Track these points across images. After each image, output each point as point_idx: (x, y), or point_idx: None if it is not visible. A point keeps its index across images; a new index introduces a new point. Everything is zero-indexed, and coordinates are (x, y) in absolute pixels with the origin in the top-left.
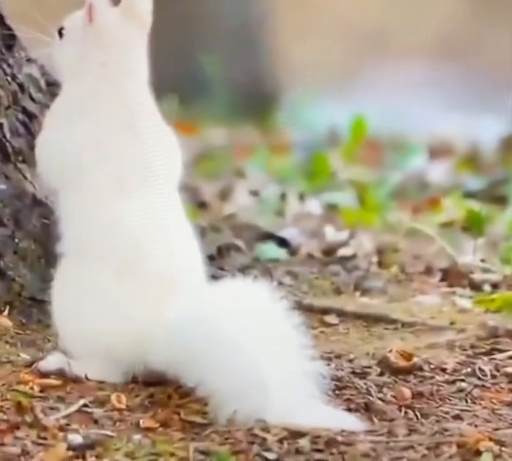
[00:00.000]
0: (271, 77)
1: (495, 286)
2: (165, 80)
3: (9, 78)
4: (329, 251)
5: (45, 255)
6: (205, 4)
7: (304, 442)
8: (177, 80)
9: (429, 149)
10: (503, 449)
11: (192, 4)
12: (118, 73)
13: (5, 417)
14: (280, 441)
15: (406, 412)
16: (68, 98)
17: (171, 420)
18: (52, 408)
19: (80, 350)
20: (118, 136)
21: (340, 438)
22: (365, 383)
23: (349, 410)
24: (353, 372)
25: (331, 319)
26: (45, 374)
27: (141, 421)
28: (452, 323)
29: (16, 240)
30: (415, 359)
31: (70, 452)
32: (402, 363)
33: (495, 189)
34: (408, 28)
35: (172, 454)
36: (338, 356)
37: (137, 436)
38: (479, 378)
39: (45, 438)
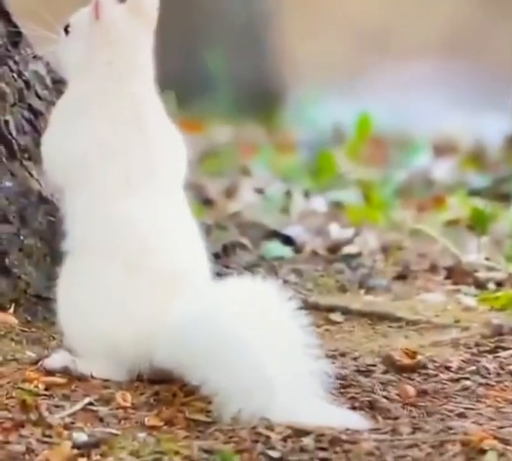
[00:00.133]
0: (276, 75)
1: (499, 284)
2: (170, 78)
3: (15, 75)
4: (334, 249)
5: (51, 253)
6: (210, 2)
7: (308, 441)
8: (183, 78)
9: (434, 147)
10: (507, 447)
11: (198, 2)
12: (124, 71)
13: (10, 415)
14: (284, 439)
15: (410, 410)
16: (74, 95)
17: (175, 418)
18: (57, 406)
19: (85, 348)
20: (123, 133)
21: (344, 437)
22: (370, 381)
23: (353, 408)
24: (358, 371)
25: (336, 317)
26: (50, 372)
27: (146, 419)
28: (456, 321)
29: (22, 237)
30: (419, 357)
31: (75, 451)
32: (407, 361)
33: (500, 187)
34: (413, 26)
35: (176, 453)
36: (343, 354)
37: (142, 435)
38: (484, 376)
39: (49, 437)
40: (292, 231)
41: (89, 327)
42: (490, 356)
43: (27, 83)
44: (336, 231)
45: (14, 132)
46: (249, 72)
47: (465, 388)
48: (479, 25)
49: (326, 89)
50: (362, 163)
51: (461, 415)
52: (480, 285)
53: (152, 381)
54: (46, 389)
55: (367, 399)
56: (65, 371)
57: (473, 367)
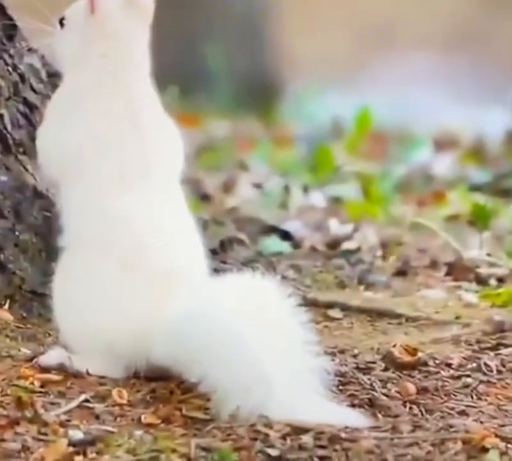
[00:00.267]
0: (274, 70)
1: (500, 280)
2: (168, 71)
3: (10, 68)
4: (333, 245)
5: (46, 248)
6: None
7: (307, 438)
8: (180, 72)
9: (434, 141)
10: (509, 445)
11: None
12: (119, 65)
13: (5, 413)
14: (283, 437)
15: (410, 408)
16: (69, 89)
17: (172, 416)
18: (52, 404)
19: (81, 345)
20: (119, 127)
21: (343, 435)
22: (369, 379)
23: (353, 405)
24: (357, 368)
25: (335, 313)
26: (45, 369)
27: (142, 417)
28: (457, 318)
29: (17, 233)
30: (420, 354)
31: (71, 448)
32: (407, 358)
33: (501, 182)
34: (413, 21)
35: (174, 451)
36: (342, 352)
37: (138, 432)
38: (485, 374)
39: (45, 434)
40: (291, 226)
41: (85, 323)
42: (491, 354)
43: (22, 76)
44: (335, 226)
45: (9, 126)
46: (248, 66)
47: (466, 386)
48: (480, 20)
49: (325, 84)
50: (362, 158)
51: (462, 413)
52: (482, 281)
53: (148, 378)
54: (41, 386)
55: (367, 396)
56: (61, 368)
57: (475, 365)
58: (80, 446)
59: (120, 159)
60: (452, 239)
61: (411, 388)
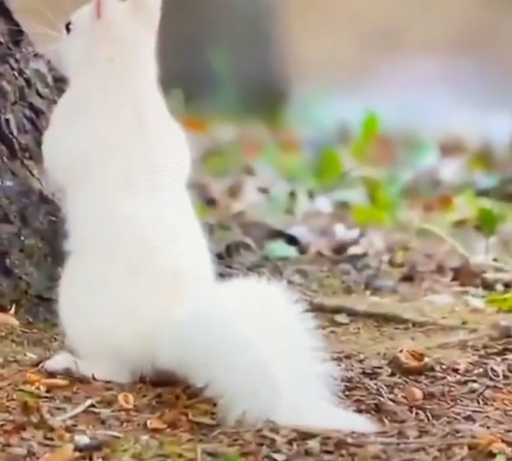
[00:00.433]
0: (281, 73)
1: (507, 285)
2: (174, 76)
3: (16, 73)
4: (340, 250)
5: (52, 253)
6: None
7: (313, 444)
8: (186, 76)
9: (441, 146)
10: None
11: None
12: (125, 69)
13: (11, 418)
14: (289, 442)
15: (416, 413)
16: (75, 94)
17: (179, 421)
18: (58, 409)
19: (87, 350)
20: (125, 132)
21: (350, 440)
22: (376, 384)
23: (359, 411)
24: (363, 373)
25: (342, 318)
26: (51, 374)
27: (148, 422)
28: (464, 323)
29: (23, 237)
30: (426, 359)
31: (77, 454)
32: (413, 363)
33: (508, 187)
34: (420, 24)
35: (180, 456)
36: (349, 357)
37: (144, 437)
38: (491, 379)
39: (51, 439)
40: (297, 231)
41: (91, 328)
42: (498, 359)
43: (28, 81)
44: (341, 231)
45: (15, 131)
46: (254, 70)
47: (473, 391)
48: (487, 24)
49: (331, 88)
50: (368, 163)
51: (468, 418)
52: (488, 286)
53: (154, 383)
54: (47, 391)
55: (373, 401)
56: (67, 373)
57: (481, 370)
58: (86, 451)
59: (126, 164)
60: (458, 244)
61: (418, 393)
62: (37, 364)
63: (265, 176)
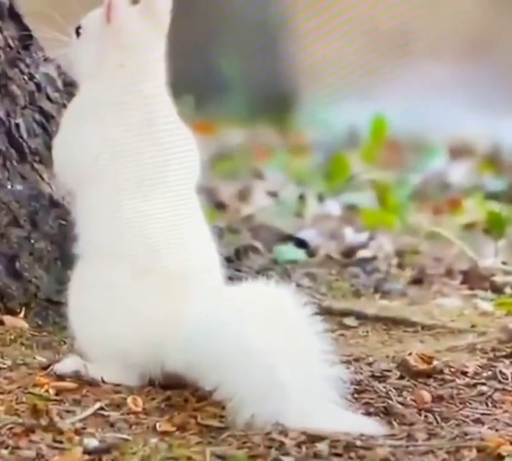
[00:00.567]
0: (290, 77)
1: None
2: (183, 80)
3: (26, 78)
4: (349, 253)
5: (62, 257)
6: (224, 3)
7: (322, 446)
8: (196, 81)
9: (450, 150)
10: None
11: (211, 4)
12: (135, 74)
13: (20, 421)
14: (298, 445)
15: (425, 416)
16: (85, 98)
17: (188, 423)
18: (67, 412)
19: (96, 353)
20: (135, 136)
21: (359, 443)
22: (385, 387)
23: (368, 413)
24: (372, 376)
25: (351, 321)
26: (61, 377)
27: (157, 425)
28: (472, 326)
29: (33, 241)
30: (435, 362)
31: (86, 457)
32: (422, 366)
33: None
34: (430, 28)
35: (189, 459)
36: (358, 360)
37: (153, 440)
38: (500, 382)
39: (60, 442)
40: (306, 234)
41: (100, 331)
42: (507, 362)
43: (38, 86)
44: (350, 235)
45: (25, 135)
46: (263, 74)
47: (481, 394)
48: (497, 29)
49: (340, 92)
50: (377, 166)
51: (477, 421)
52: (497, 289)
53: (163, 386)
54: (56, 394)
55: (382, 404)
56: (76, 376)
57: (490, 373)
58: (95, 454)
59: (135, 168)
60: (467, 248)
61: (427, 396)
62: (46, 367)
63: (274, 180)
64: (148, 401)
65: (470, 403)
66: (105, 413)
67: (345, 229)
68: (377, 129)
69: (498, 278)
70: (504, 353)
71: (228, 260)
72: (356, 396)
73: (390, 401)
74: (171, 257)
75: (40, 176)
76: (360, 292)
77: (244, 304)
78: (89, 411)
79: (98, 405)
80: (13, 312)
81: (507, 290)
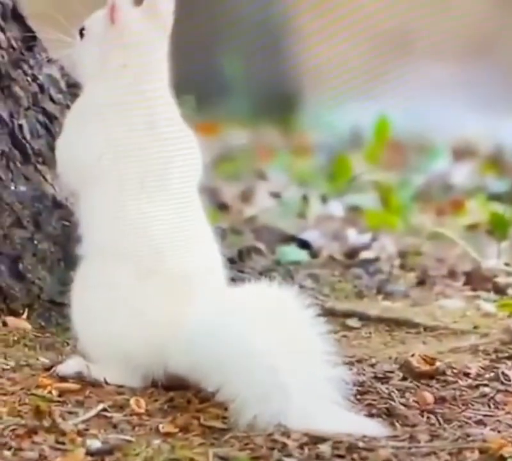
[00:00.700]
0: (293, 78)
1: None
2: (187, 80)
3: (29, 79)
4: (352, 254)
5: (65, 258)
6: (228, 5)
7: (325, 448)
8: (199, 81)
9: (453, 151)
10: None
11: (215, 5)
12: (138, 75)
13: (23, 422)
14: (301, 446)
15: (428, 417)
16: (88, 99)
17: (190, 425)
18: (70, 413)
19: (99, 354)
20: (138, 137)
21: (361, 444)
22: (387, 388)
23: (371, 415)
24: (375, 377)
25: (353, 322)
26: (63, 378)
27: (160, 426)
28: (475, 327)
29: (36, 242)
30: (438, 364)
31: (89, 458)
32: (425, 367)
33: None
34: (433, 29)
35: (191, 460)
36: (360, 361)
37: (156, 441)
38: (502, 383)
39: (63, 443)
40: (309, 236)
41: (103, 332)
42: (509, 363)
43: (41, 87)
44: (353, 236)
45: (28, 136)
46: (266, 75)
47: (484, 395)
48: (499, 29)
49: (343, 93)
50: (380, 167)
51: (479, 422)
52: (500, 290)
53: (166, 387)
54: (59, 395)
55: (385, 406)
56: (79, 377)
57: (492, 374)
58: (98, 455)
59: (138, 168)
60: (470, 249)
61: (429, 397)
62: (49, 368)
63: (277, 180)
64: (151, 403)
65: (473, 405)
66: (108, 414)
67: (348, 230)
68: (380, 130)
69: (501, 279)
70: (506, 355)
71: (231, 261)
72: (358, 397)
73: (393, 403)
74: (174, 258)
75: (43, 177)
76: (363, 293)
77: (247, 305)
78: (92, 412)
79: (101, 406)
80: (16, 313)
81: (510, 291)
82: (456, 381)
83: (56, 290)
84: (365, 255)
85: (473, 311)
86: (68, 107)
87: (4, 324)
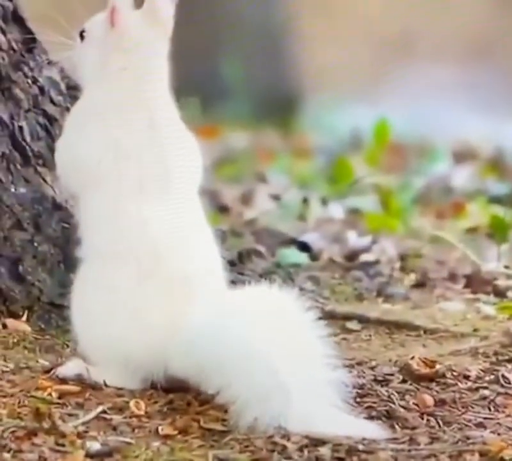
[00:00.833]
0: (293, 81)
1: None
2: (187, 83)
3: (29, 81)
4: (352, 257)
5: (65, 260)
6: (228, 7)
7: (325, 450)
8: (199, 84)
9: (454, 154)
10: None
11: (215, 7)
12: (138, 78)
13: (23, 424)
14: (301, 449)
15: (428, 420)
16: (88, 101)
17: (190, 427)
18: (70, 415)
19: (99, 356)
20: (137, 139)
21: (361, 447)
22: (387, 391)
23: (371, 417)
24: (375, 380)
25: (353, 325)
26: (63, 380)
27: (160, 428)
28: (475, 330)
29: (36, 244)
30: (438, 366)
31: (88, 460)
32: (425, 370)
33: None
34: (434, 32)
35: None
36: (360, 364)
37: (156, 444)
38: (502, 386)
39: (63, 445)
40: (309, 238)
41: (103, 334)
42: (509, 366)
43: (41, 89)
44: (353, 238)
45: (28, 138)
46: (267, 77)
47: (484, 398)
48: (500, 32)
49: (344, 95)
50: (380, 170)
51: (479, 425)
52: (500, 293)
53: (166, 389)
54: (59, 397)
55: (385, 408)
56: (79, 379)
57: (492, 377)
58: (97, 457)
59: (138, 170)
60: (470, 252)
61: (429, 400)
62: (49, 371)
63: (277, 183)
64: (151, 405)
65: (473, 407)
66: (108, 416)
67: (349, 233)
68: (380, 132)
69: (501, 282)
70: (506, 357)
71: (231, 263)
72: (358, 399)
73: (393, 405)
74: (174, 261)
75: (43, 179)
76: (363, 295)
77: (247, 307)
78: (92, 414)
79: (100, 408)
80: (16, 315)
81: (510, 294)
82: (456, 384)
83: (56, 292)
84: (365, 257)
85: (473, 314)
86: (68, 109)
87: (4, 326)
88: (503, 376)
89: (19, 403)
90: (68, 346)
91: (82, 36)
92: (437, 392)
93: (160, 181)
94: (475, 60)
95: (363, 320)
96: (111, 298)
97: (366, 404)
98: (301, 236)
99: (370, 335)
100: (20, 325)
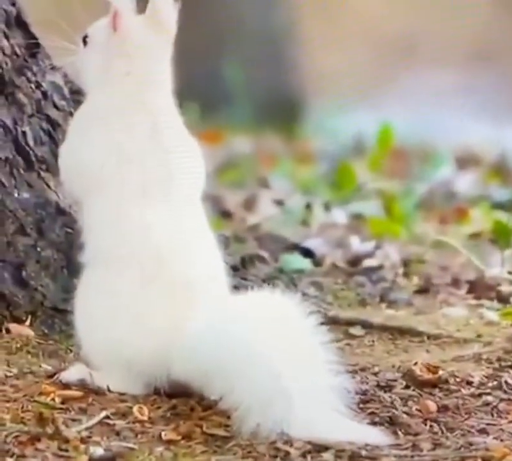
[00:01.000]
0: (296, 86)
1: None
2: (190, 88)
3: (33, 86)
4: (355, 262)
5: (68, 265)
6: (230, 12)
7: (328, 456)
8: (202, 89)
9: (457, 159)
10: None
11: (217, 12)
12: (141, 82)
13: (26, 429)
14: (303, 455)
15: (431, 426)
16: (92, 106)
17: (193, 432)
18: (73, 420)
19: (102, 361)
20: (141, 144)
21: (364, 453)
22: (390, 397)
23: (374, 423)
24: (378, 386)
25: (356, 331)
26: (66, 385)
27: (163, 433)
28: (478, 336)
29: (39, 249)
30: (441, 372)
31: None
32: (428, 376)
33: None
34: (437, 37)
35: None
36: (363, 369)
37: (159, 449)
38: (506, 392)
39: (66, 451)
40: (312, 243)
41: (106, 339)
42: None
43: (44, 94)
44: (356, 244)
45: (32, 143)
46: (270, 82)
47: (487, 404)
48: (504, 36)
49: (347, 100)
50: (384, 175)
51: (482, 431)
52: (503, 299)
53: (169, 395)
54: (62, 403)
55: (388, 414)
56: (82, 384)
57: (495, 383)
58: None
59: (141, 175)
60: (473, 257)
61: (432, 406)
62: (52, 375)
63: (280, 188)
64: (154, 410)
65: (476, 413)
66: (111, 421)
67: (352, 238)
68: (383, 137)
69: (505, 288)
70: (509, 363)
71: (234, 269)
72: (361, 405)
73: (395, 411)
74: (176, 266)
75: (47, 184)
76: (366, 301)
77: (250, 313)
78: (95, 419)
79: (103, 414)
80: (19, 320)
81: None
82: (459, 390)
83: (59, 297)
84: (368, 263)
85: (476, 319)
86: (71, 114)
87: (8, 331)
88: (506, 382)
89: (22, 408)
90: (71, 351)
91: (85, 41)
92: (440, 398)
93: (163, 186)
94: (479, 65)
95: (366, 325)
96: (114, 303)
97: (369, 410)
98: (304, 241)
99: (373, 341)
100: (24, 330)
